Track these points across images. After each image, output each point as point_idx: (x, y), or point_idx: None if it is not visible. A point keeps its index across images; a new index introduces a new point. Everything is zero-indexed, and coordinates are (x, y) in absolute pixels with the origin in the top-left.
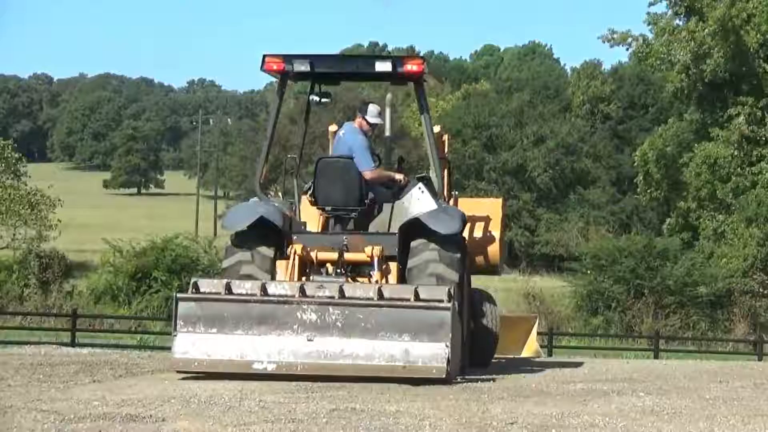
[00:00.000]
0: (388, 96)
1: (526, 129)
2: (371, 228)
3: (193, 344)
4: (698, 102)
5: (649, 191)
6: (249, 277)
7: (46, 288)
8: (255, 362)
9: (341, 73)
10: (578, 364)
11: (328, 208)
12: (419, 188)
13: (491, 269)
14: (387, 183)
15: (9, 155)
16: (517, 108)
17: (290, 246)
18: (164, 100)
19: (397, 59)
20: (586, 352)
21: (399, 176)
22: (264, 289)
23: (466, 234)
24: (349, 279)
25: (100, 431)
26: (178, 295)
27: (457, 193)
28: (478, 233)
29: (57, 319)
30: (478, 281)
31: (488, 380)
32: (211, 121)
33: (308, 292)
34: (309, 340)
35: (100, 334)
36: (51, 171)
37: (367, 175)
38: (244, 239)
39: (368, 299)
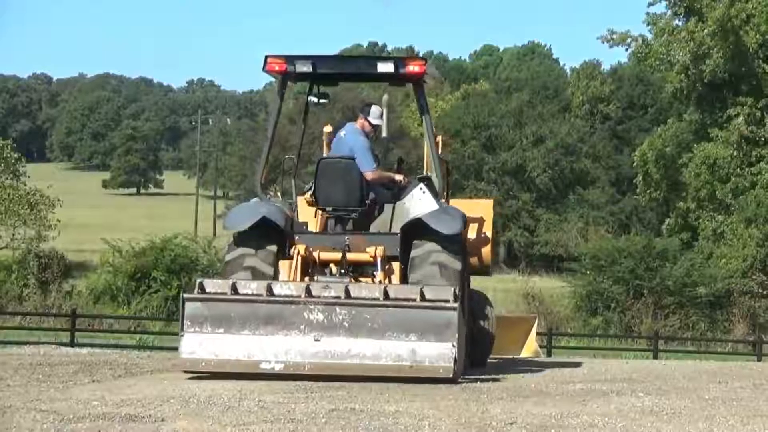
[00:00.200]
0: (385, 97)
1: (526, 129)
2: (372, 228)
3: (200, 344)
4: (697, 102)
5: (648, 192)
6: (252, 269)
7: (46, 288)
8: (263, 362)
9: (343, 74)
10: (577, 365)
11: (329, 209)
12: (420, 189)
13: (483, 270)
14: (387, 184)
15: (8, 155)
16: (517, 108)
17: (293, 246)
18: (163, 100)
19: (399, 60)
20: (586, 353)
21: (399, 177)
22: (270, 290)
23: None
24: (353, 279)
25: (99, 431)
26: (185, 295)
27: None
28: (471, 234)
29: (56, 319)
30: (475, 282)
31: (487, 380)
32: (210, 121)
33: (314, 293)
34: (316, 340)
35: (99, 334)
36: (50, 171)
37: (369, 175)
38: (246, 239)
39: (374, 299)
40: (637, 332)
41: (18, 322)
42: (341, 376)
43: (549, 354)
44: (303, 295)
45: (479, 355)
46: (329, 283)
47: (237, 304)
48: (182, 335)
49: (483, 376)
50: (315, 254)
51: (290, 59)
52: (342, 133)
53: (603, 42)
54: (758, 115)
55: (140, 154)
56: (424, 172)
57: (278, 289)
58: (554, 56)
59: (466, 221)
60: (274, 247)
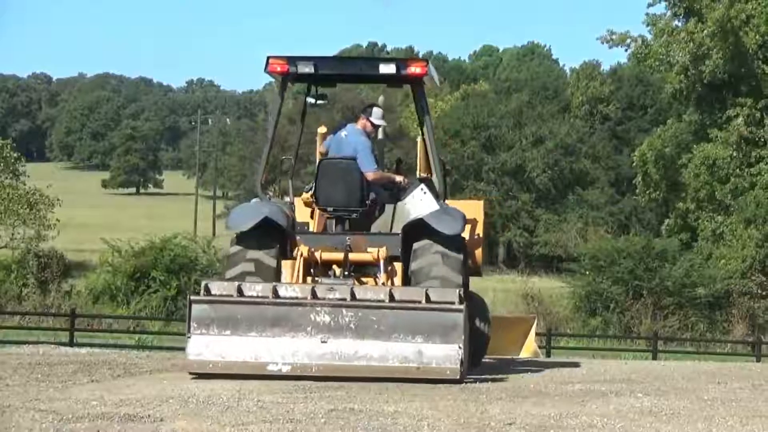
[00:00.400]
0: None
1: (525, 129)
2: (373, 229)
3: (207, 346)
4: (697, 103)
5: (647, 192)
6: (255, 261)
7: (45, 288)
8: (270, 364)
9: (345, 75)
10: (576, 365)
11: (329, 209)
12: (421, 189)
13: (475, 271)
14: (388, 184)
15: (8, 155)
16: (516, 108)
17: (296, 248)
18: (163, 99)
19: (401, 61)
20: (585, 353)
21: (399, 178)
22: (275, 292)
23: None
24: (356, 281)
25: (98, 431)
26: (192, 297)
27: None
28: (464, 235)
29: (55, 319)
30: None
31: (487, 381)
32: (209, 121)
33: (319, 295)
34: (323, 342)
35: (98, 333)
36: (50, 170)
37: (370, 176)
38: (247, 240)
39: (380, 301)
40: (637, 333)
41: (17, 322)
42: (348, 377)
43: (548, 354)
44: (309, 297)
45: (474, 355)
46: (334, 285)
47: (244, 306)
48: (189, 337)
49: (482, 377)
50: (317, 254)
51: (292, 60)
52: (343, 133)
53: (603, 42)
54: (758, 116)
55: (140, 154)
56: (417, 173)
57: (283, 291)
58: (554, 57)
59: (466, 222)
60: (273, 261)
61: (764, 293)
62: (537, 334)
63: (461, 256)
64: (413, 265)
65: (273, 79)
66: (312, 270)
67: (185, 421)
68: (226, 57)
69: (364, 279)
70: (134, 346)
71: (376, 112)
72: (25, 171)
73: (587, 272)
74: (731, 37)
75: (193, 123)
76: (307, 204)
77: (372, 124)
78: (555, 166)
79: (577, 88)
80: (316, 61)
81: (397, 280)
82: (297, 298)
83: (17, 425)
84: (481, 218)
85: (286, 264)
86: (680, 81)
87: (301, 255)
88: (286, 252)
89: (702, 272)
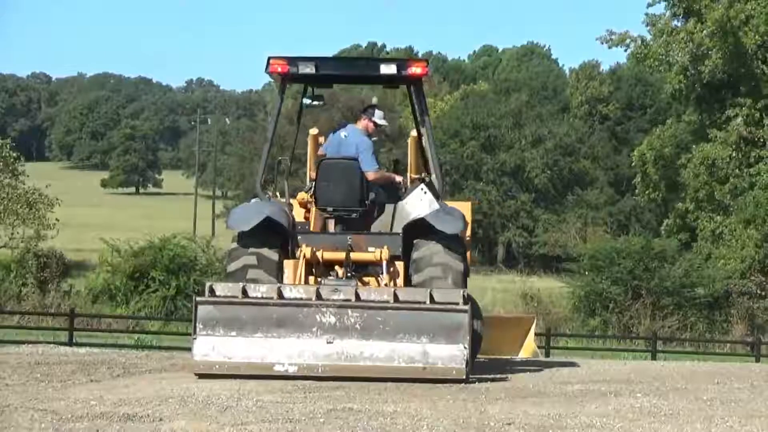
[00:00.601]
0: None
1: (525, 129)
2: (373, 229)
3: (213, 347)
4: (696, 103)
5: (647, 192)
6: (255, 281)
7: (44, 287)
8: (276, 364)
9: (346, 76)
10: (576, 365)
11: (329, 209)
12: (422, 189)
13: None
14: (387, 184)
15: (7, 154)
16: (516, 109)
17: (298, 248)
18: (162, 99)
19: (402, 62)
20: (584, 353)
21: (399, 178)
22: (280, 293)
23: None
24: (359, 282)
25: (97, 431)
26: (198, 298)
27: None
28: None
29: (55, 319)
30: (474, 281)
31: (486, 381)
32: (209, 120)
33: (324, 296)
34: (329, 342)
35: (97, 333)
36: (49, 170)
37: (371, 176)
38: (248, 239)
39: (384, 302)
40: (636, 333)
41: (16, 322)
42: (355, 377)
43: (547, 354)
44: (314, 298)
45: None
46: (338, 286)
47: (250, 307)
48: (195, 338)
49: (481, 377)
50: (318, 254)
51: (293, 61)
52: (343, 134)
53: (602, 43)
54: (757, 116)
55: (139, 154)
56: (408, 173)
57: (288, 292)
58: (553, 57)
59: (466, 222)
60: (275, 255)
61: (763, 293)
62: (536, 334)
63: (462, 265)
64: (415, 255)
65: (272, 79)
66: (313, 270)
67: (184, 420)
68: (225, 57)
69: (365, 279)
70: (133, 345)
71: (378, 112)
72: (24, 170)
73: (586, 272)
74: (731, 38)
75: (192, 123)
76: (302, 204)
77: (375, 124)
78: (554, 166)
79: (577, 88)
80: (316, 61)
81: (399, 280)
82: (302, 299)
83: (16, 425)
84: (469, 219)
85: (288, 264)
86: (680, 81)
87: (304, 256)
88: (287, 252)
89: (701, 272)
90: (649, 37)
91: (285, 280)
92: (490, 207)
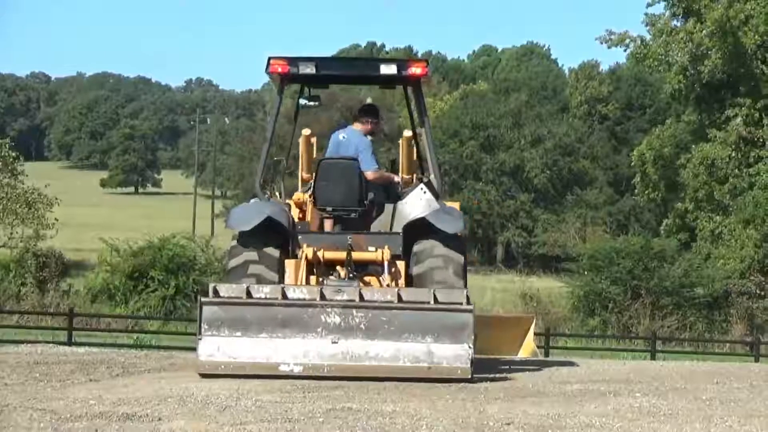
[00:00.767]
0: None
1: (524, 129)
2: (373, 228)
3: (218, 347)
4: (696, 103)
5: (646, 192)
6: (257, 276)
7: (43, 287)
8: (281, 364)
9: (346, 76)
10: (575, 365)
11: (329, 209)
12: (421, 189)
13: None
14: (386, 184)
15: (6, 154)
16: (515, 108)
17: (299, 248)
18: (162, 99)
19: (402, 62)
20: (583, 353)
21: (398, 178)
22: (284, 293)
23: None
24: (361, 282)
25: (96, 430)
26: (203, 299)
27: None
28: None
29: (54, 318)
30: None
31: (485, 380)
32: (208, 120)
33: (327, 296)
34: (334, 342)
35: (96, 333)
36: (48, 170)
37: (370, 175)
38: (249, 239)
39: (388, 302)
40: (635, 333)
41: (15, 321)
42: (360, 377)
43: (546, 354)
44: (318, 299)
45: None
46: (341, 287)
47: (255, 308)
48: (200, 338)
49: (480, 376)
50: (319, 254)
51: (293, 61)
52: (341, 135)
53: (601, 43)
54: (756, 116)
55: (138, 154)
56: (400, 173)
57: (291, 292)
58: (553, 57)
59: (466, 221)
60: (278, 248)
61: (763, 293)
62: (535, 333)
63: (462, 258)
64: (415, 269)
65: (271, 80)
66: (314, 269)
67: (183, 420)
68: (224, 56)
69: (366, 278)
70: (132, 345)
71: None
72: (23, 170)
73: (586, 272)
74: (730, 37)
75: (191, 122)
76: (297, 204)
77: (375, 125)
78: (554, 166)
79: (576, 88)
80: (317, 61)
81: (401, 281)
82: (305, 299)
83: (15, 424)
84: None
85: (289, 263)
86: (679, 81)
87: (306, 257)
88: (288, 252)
89: (700, 272)
90: (648, 37)
91: (286, 280)
92: (489, 207)
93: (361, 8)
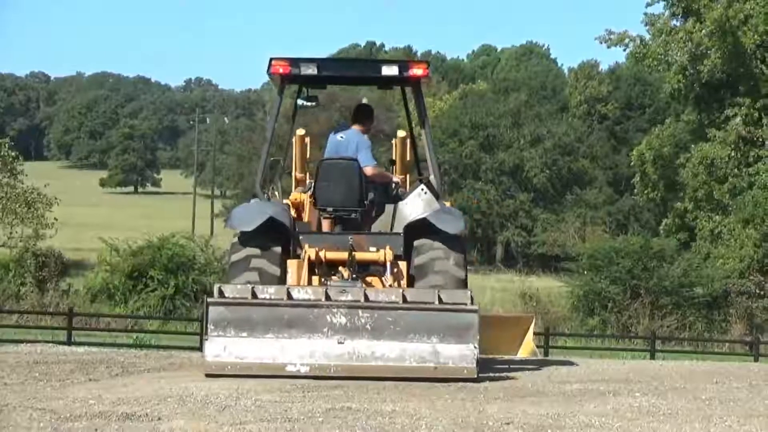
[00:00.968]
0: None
1: (523, 129)
2: (373, 229)
3: (224, 348)
4: (695, 103)
5: (645, 192)
6: (258, 270)
7: (43, 286)
8: (288, 364)
9: (347, 77)
10: (574, 365)
11: (329, 209)
12: (422, 189)
13: None
14: (385, 183)
15: (5, 153)
16: (515, 108)
17: (301, 249)
18: (161, 98)
19: (403, 63)
20: (583, 353)
21: (397, 178)
22: (289, 294)
23: None
24: (364, 282)
25: (96, 430)
26: (209, 299)
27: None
28: None
29: (53, 318)
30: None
31: (484, 380)
32: (208, 120)
33: (332, 297)
34: (340, 343)
35: (96, 332)
36: (47, 169)
37: (369, 170)
38: (251, 239)
39: (393, 303)
40: (634, 332)
41: (15, 321)
42: (367, 377)
43: (546, 354)
44: (323, 299)
45: None
46: (346, 288)
47: (261, 308)
48: (206, 339)
49: (480, 376)
50: (321, 254)
51: (295, 62)
52: (340, 136)
53: (601, 42)
54: (756, 116)
55: (138, 153)
56: (394, 175)
57: (296, 293)
58: (552, 56)
59: (466, 222)
60: (279, 248)
61: (762, 293)
62: (535, 333)
63: (463, 272)
64: (416, 261)
65: (271, 80)
66: (316, 270)
67: (183, 420)
68: (224, 56)
69: (368, 279)
70: (132, 345)
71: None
72: (23, 170)
73: (585, 272)
74: (729, 37)
75: (191, 122)
76: (294, 204)
77: (371, 125)
78: (553, 165)
79: (576, 87)
80: (318, 62)
81: (404, 281)
82: (311, 300)
83: (15, 424)
84: None
85: (291, 263)
86: (678, 81)
87: (308, 258)
88: (290, 252)
89: (700, 272)
90: (648, 36)
91: (288, 280)
92: (488, 206)
93: (360, 8)
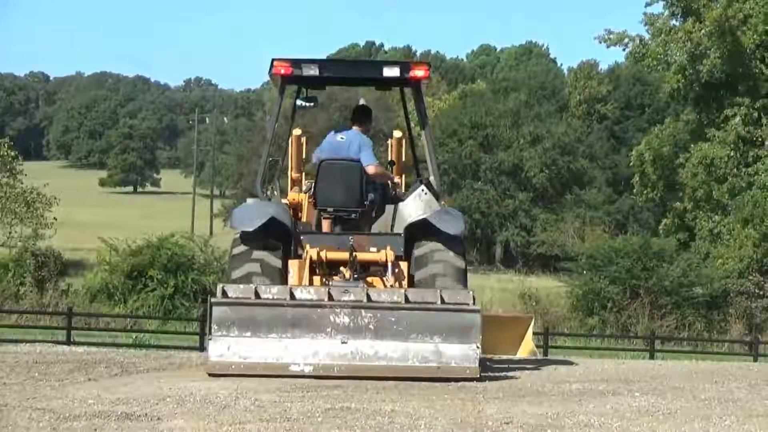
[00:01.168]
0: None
1: (523, 129)
2: (374, 229)
3: (228, 348)
4: (695, 102)
5: (645, 192)
6: (260, 261)
7: (42, 286)
8: (292, 364)
9: (349, 78)
10: (574, 364)
11: (329, 209)
12: (422, 190)
13: None
14: (385, 182)
15: (5, 153)
16: (514, 108)
17: (301, 248)
18: (161, 98)
19: (404, 65)
20: (582, 353)
21: (397, 178)
22: (292, 294)
23: None
24: (365, 282)
25: (95, 430)
26: (213, 300)
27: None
28: None
29: (52, 318)
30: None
31: (483, 380)
32: (207, 119)
33: (335, 297)
34: (343, 343)
35: (95, 332)
36: (47, 169)
37: (371, 169)
38: (252, 239)
39: (396, 303)
40: (634, 332)
41: (14, 320)
42: (370, 377)
43: (545, 354)
44: (326, 299)
45: None
46: (348, 288)
47: (264, 308)
48: (210, 339)
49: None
50: (322, 254)
51: (296, 63)
52: (340, 137)
53: (600, 42)
54: (755, 116)
55: (137, 153)
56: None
57: (299, 293)
58: (551, 56)
59: (466, 222)
60: (278, 262)
61: (761, 293)
62: (534, 333)
63: (462, 262)
64: (416, 252)
65: (271, 81)
66: (317, 270)
67: (182, 419)
68: (223, 56)
69: (369, 279)
70: (131, 344)
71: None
72: (22, 170)
73: (584, 272)
74: (729, 37)
75: (190, 122)
76: (292, 204)
77: (370, 125)
78: (552, 165)
79: (575, 87)
80: (320, 63)
81: (405, 282)
82: (313, 300)
83: (14, 424)
84: None
85: (292, 264)
86: (678, 80)
87: (310, 259)
88: (289, 252)
89: (699, 272)
90: (647, 36)
91: (290, 280)
92: (488, 206)
93: (360, 8)
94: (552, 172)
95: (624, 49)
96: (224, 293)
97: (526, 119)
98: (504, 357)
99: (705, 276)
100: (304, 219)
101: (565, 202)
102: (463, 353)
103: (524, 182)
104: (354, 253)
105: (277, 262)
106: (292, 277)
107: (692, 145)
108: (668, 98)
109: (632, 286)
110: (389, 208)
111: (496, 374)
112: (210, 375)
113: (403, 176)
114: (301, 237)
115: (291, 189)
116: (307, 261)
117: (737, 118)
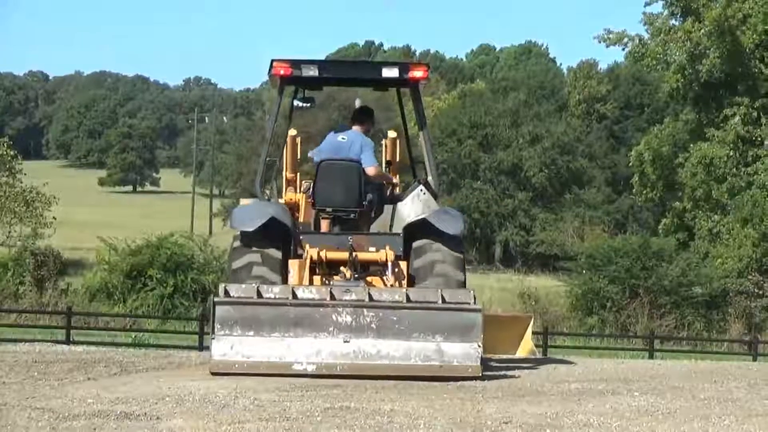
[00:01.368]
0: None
1: (522, 128)
2: (373, 229)
3: (231, 347)
4: (694, 102)
5: (644, 191)
6: (260, 278)
7: (41, 286)
8: (295, 363)
9: (348, 78)
10: (573, 364)
11: (328, 209)
12: (421, 190)
13: None
14: (385, 183)
15: (4, 153)
16: (513, 107)
17: (301, 248)
18: (160, 97)
19: (404, 65)
20: (581, 352)
21: (396, 179)
22: (294, 293)
23: None
24: (366, 282)
25: (94, 429)
26: (216, 299)
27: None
28: None
29: (52, 317)
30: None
31: (483, 379)
32: (206, 119)
33: (336, 296)
34: (345, 342)
35: (94, 332)
36: (46, 168)
37: (372, 170)
38: (252, 239)
39: (397, 302)
40: (633, 332)
41: (13, 320)
42: (372, 375)
43: (545, 353)
44: (327, 299)
45: None
46: (350, 287)
47: (267, 308)
48: (213, 338)
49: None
50: (322, 254)
51: (296, 64)
52: (341, 137)
53: (600, 41)
54: (754, 115)
55: (136, 152)
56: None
57: (301, 293)
58: (551, 56)
59: (466, 222)
60: (279, 254)
61: (761, 292)
62: (534, 332)
63: (461, 255)
64: (415, 263)
65: (270, 81)
66: (317, 269)
67: (182, 419)
68: (223, 55)
69: (368, 278)
70: (131, 344)
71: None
72: (21, 169)
73: (584, 271)
74: (728, 36)
75: (190, 121)
76: (289, 204)
77: (371, 126)
78: (552, 165)
79: (574, 87)
80: (319, 64)
81: (404, 281)
82: (315, 299)
83: (13, 423)
84: None
85: (293, 263)
86: (677, 80)
87: (310, 259)
88: (290, 251)
89: (699, 271)
90: (646, 36)
91: (290, 280)
92: (487, 206)
93: (359, 7)
94: (551, 172)
95: (623, 49)
96: (227, 292)
97: (526, 119)
98: (503, 356)
99: (704, 276)
100: (301, 219)
101: (564, 201)
102: (464, 352)
103: (524, 182)
104: (354, 253)
105: (277, 278)
106: (293, 277)
107: (691, 145)
108: (667, 98)
109: (631, 286)
110: (387, 208)
111: (496, 374)
112: (213, 374)
113: (397, 176)
114: (301, 237)
115: (286, 189)
116: (308, 261)
117: (736, 118)
